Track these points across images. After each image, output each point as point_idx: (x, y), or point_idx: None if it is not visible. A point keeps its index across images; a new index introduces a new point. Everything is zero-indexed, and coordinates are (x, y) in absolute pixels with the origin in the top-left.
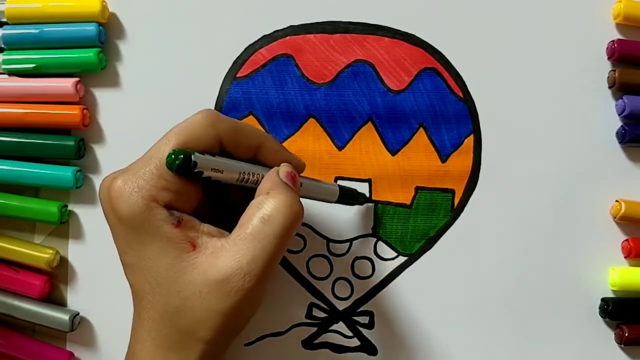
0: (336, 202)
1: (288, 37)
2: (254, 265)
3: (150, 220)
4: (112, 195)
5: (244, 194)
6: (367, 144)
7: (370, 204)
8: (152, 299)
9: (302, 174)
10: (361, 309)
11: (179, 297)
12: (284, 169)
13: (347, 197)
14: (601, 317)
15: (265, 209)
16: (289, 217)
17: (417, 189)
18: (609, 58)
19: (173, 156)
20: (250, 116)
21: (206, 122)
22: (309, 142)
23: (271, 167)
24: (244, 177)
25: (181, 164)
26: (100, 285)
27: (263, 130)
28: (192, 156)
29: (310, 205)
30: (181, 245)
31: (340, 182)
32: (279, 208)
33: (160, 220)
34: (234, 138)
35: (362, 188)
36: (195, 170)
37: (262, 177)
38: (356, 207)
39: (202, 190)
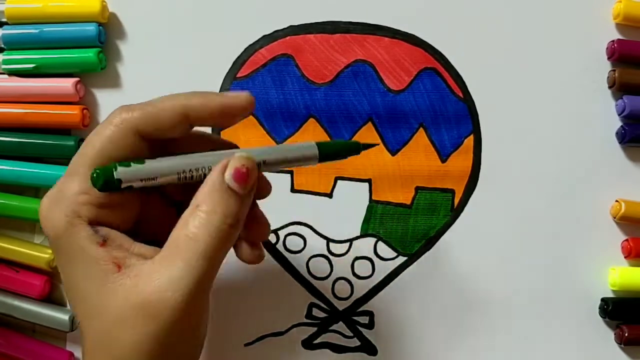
0: (320, 161)
1: (288, 37)
2: (175, 286)
3: (74, 239)
4: (41, 215)
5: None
6: None
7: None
8: (86, 325)
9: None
10: (361, 309)
11: (107, 323)
12: (232, 164)
13: (334, 154)
14: (601, 317)
15: (190, 227)
16: (217, 236)
17: (417, 189)
18: (609, 58)
19: (95, 175)
20: (250, 116)
21: (118, 120)
22: None
23: (218, 145)
24: (186, 176)
25: (104, 183)
26: None
27: (181, 94)
28: (114, 172)
29: (309, 205)
30: (106, 267)
31: (340, 182)
32: (206, 226)
33: (84, 239)
34: (151, 121)
35: (362, 188)
36: (123, 186)
37: (210, 171)
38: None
39: (143, 200)
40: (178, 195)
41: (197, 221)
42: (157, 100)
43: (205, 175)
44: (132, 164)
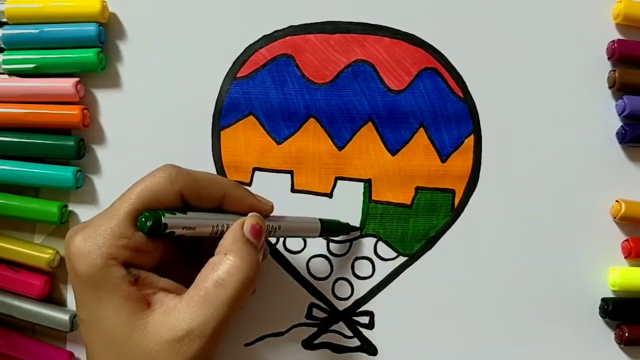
0: (319, 236)
1: (288, 37)
2: (204, 328)
3: (107, 278)
4: (72, 252)
5: (215, 241)
6: (367, 144)
7: (357, 232)
8: (103, 358)
9: (281, 215)
10: (361, 309)
11: (130, 356)
12: (249, 221)
13: (330, 230)
14: (601, 317)
15: (219, 272)
16: (242, 282)
17: (417, 189)
18: (609, 58)
19: (144, 219)
20: (251, 116)
21: (166, 179)
22: (309, 142)
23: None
24: (217, 230)
25: (152, 226)
26: None
27: (225, 179)
28: (163, 218)
29: (309, 205)
30: (136, 304)
31: (340, 182)
32: (232, 272)
33: (118, 279)
34: (195, 191)
35: (357, 189)
36: (167, 232)
37: None
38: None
39: (165, 244)
40: (186, 238)
41: (226, 267)
42: (204, 176)
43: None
44: (176, 212)
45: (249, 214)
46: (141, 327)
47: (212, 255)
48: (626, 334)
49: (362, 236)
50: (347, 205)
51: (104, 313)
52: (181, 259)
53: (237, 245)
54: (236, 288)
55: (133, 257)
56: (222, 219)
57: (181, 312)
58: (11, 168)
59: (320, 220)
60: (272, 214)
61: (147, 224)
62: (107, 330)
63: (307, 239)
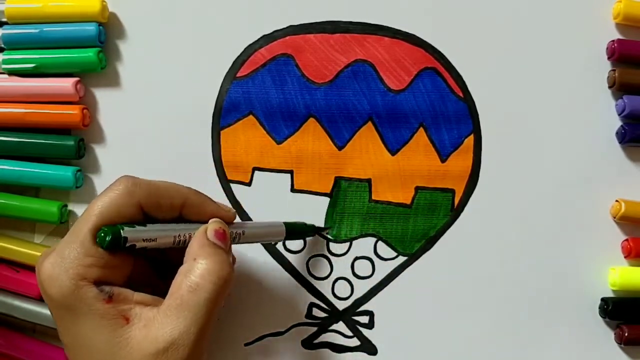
0: (285, 239)
1: (288, 37)
2: (187, 335)
3: (81, 299)
4: (42, 279)
5: (182, 251)
6: (367, 144)
7: (326, 232)
8: None
9: (244, 221)
10: (361, 308)
11: None
12: (212, 227)
13: (295, 233)
14: (601, 317)
15: (192, 277)
16: (217, 283)
17: (417, 188)
18: (609, 58)
19: (102, 234)
20: (250, 116)
21: (124, 191)
22: (309, 142)
23: (203, 223)
24: (179, 240)
25: (112, 241)
26: None
27: (185, 188)
28: (122, 231)
29: (309, 205)
30: (114, 321)
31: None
32: (205, 275)
33: (91, 299)
34: (154, 201)
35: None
36: (127, 245)
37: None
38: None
39: (135, 257)
40: (155, 253)
41: (198, 271)
42: (162, 185)
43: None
44: (135, 225)
45: (211, 220)
46: (124, 344)
47: (181, 265)
48: (626, 334)
49: (361, 236)
50: (347, 204)
51: (84, 334)
52: (154, 272)
53: (205, 249)
54: (211, 290)
55: (103, 275)
56: (183, 229)
57: (161, 323)
58: (11, 168)
59: (285, 223)
60: (235, 221)
61: (106, 239)
62: (90, 350)
63: (307, 239)
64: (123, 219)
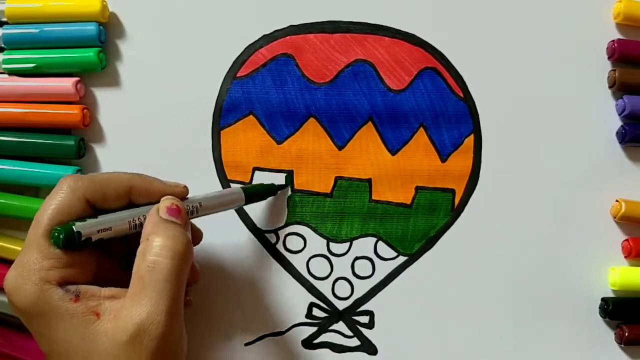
0: (246, 203)
1: (288, 37)
2: (155, 315)
3: (48, 303)
4: (8, 291)
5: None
6: (367, 144)
7: (286, 190)
8: None
9: (197, 195)
10: (361, 308)
11: None
12: (163, 204)
13: (255, 196)
14: (601, 317)
15: (149, 257)
16: (174, 257)
17: (417, 188)
18: (609, 58)
19: (56, 234)
20: (251, 116)
21: (67, 189)
22: (309, 141)
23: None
24: (135, 224)
25: (66, 238)
26: None
27: (127, 173)
28: (74, 227)
29: (309, 205)
30: (85, 318)
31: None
32: (161, 252)
33: (58, 300)
34: (99, 192)
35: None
36: (83, 239)
37: None
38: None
39: (99, 254)
40: (119, 248)
41: (154, 250)
42: (104, 175)
43: None
44: (86, 219)
45: (162, 199)
46: (98, 339)
47: None
48: (626, 334)
49: (362, 236)
50: (347, 204)
51: (59, 337)
52: (124, 269)
53: (158, 226)
54: (170, 265)
55: (67, 275)
56: (137, 213)
57: (128, 309)
58: (11, 168)
59: (242, 187)
60: (190, 195)
61: (60, 237)
62: (68, 352)
63: (307, 239)
64: (74, 216)
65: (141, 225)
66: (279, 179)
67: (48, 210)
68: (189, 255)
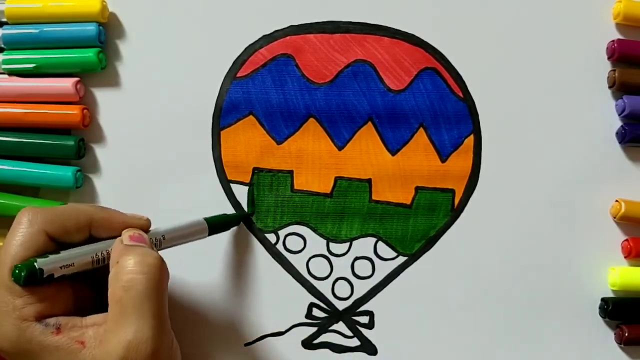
0: (210, 234)
1: (288, 37)
2: (140, 333)
3: (30, 340)
4: None
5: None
6: (367, 144)
7: (249, 216)
8: None
9: (160, 228)
10: (361, 309)
11: None
12: (125, 235)
13: (219, 226)
14: (601, 317)
15: (121, 279)
16: (148, 272)
17: (417, 188)
18: (609, 58)
19: (17, 271)
20: (251, 116)
21: (26, 224)
22: (309, 142)
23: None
24: (98, 258)
25: (27, 275)
26: None
27: (88, 205)
28: (35, 264)
29: (309, 205)
30: (71, 349)
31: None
32: (133, 271)
33: (40, 335)
34: (59, 225)
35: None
36: (45, 276)
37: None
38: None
39: (73, 285)
40: (98, 275)
41: (125, 270)
42: (64, 208)
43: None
44: (48, 255)
45: (124, 231)
46: None
47: None
48: (626, 334)
49: (361, 236)
50: (347, 205)
51: None
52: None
53: (125, 249)
54: (145, 280)
55: (44, 309)
56: (100, 247)
57: (114, 333)
58: (11, 168)
59: (206, 218)
60: (151, 228)
61: (22, 274)
62: None
63: (307, 239)
64: (36, 251)
65: (104, 260)
66: (281, 179)
67: (10, 248)
68: (163, 267)
